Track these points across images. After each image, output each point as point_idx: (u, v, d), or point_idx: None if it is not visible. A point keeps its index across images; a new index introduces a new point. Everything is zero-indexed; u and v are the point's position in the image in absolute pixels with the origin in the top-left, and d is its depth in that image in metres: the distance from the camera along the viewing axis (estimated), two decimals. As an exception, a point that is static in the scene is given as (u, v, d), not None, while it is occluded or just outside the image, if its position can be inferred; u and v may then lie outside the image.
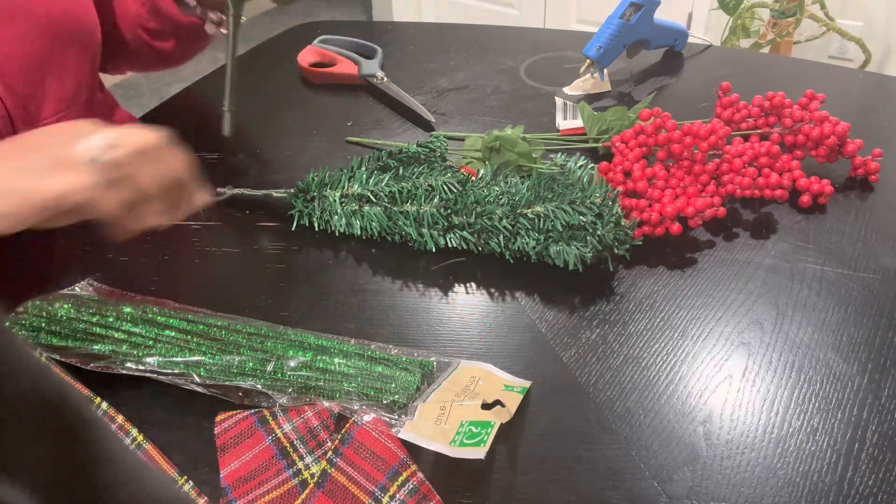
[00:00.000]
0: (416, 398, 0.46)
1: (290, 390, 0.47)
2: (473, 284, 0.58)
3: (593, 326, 0.53)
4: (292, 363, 0.48)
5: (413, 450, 0.43)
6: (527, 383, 0.48)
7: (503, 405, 0.45)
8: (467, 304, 0.56)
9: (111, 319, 0.50)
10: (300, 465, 0.44)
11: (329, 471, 0.42)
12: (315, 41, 0.93)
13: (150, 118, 0.82)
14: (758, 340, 0.51)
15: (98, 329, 0.50)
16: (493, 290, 0.57)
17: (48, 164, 0.43)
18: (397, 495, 0.41)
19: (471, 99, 0.84)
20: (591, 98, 0.82)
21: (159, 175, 0.46)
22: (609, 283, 0.57)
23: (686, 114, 0.66)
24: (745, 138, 0.68)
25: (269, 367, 0.48)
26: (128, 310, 0.51)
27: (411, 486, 0.41)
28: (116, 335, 0.50)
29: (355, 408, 0.45)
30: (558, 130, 0.75)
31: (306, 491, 0.42)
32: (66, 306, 0.51)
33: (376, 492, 0.41)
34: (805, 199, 0.63)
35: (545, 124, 0.77)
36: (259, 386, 0.47)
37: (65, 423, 0.20)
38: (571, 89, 0.83)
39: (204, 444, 0.45)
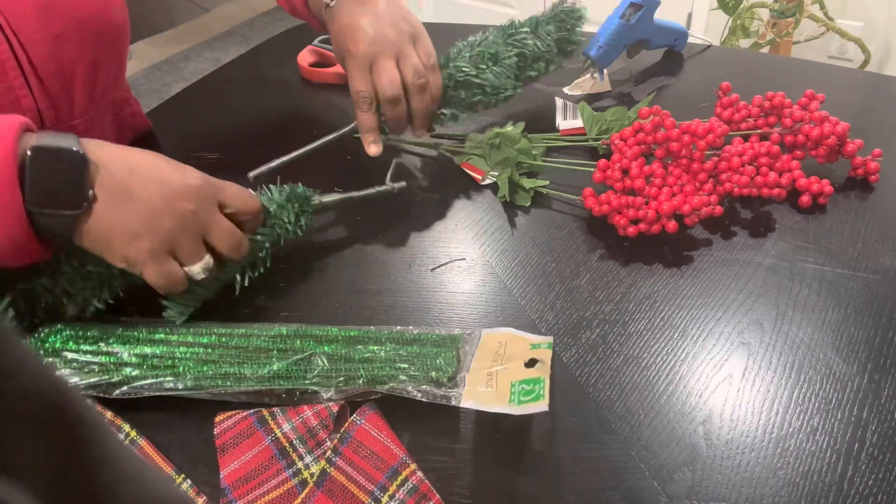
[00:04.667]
0: (460, 370, 0.47)
1: (337, 383, 0.47)
2: (473, 284, 0.58)
3: (593, 326, 0.53)
4: (322, 360, 0.48)
5: (412, 449, 0.43)
6: (549, 338, 0.50)
7: (539, 362, 0.46)
8: (467, 304, 0.56)
9: (116, 347, 0.49)
10: (300, 464, 0.44)
11: (328, 470, 0.42)
12: (315, 41, 0.93)
13: (150, 118, 0.82)
14: (758, 340, 0.51)
15: (105, 358, 0.48)
16: (493, 291, 0.57)
17: (165, 250, 0.49)
18: (397, 495, 0.41)
19: (471, 99, 0.83)
20: (591, 98, 0.82)
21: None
22: (609, 283, 0.57)
23: (686, 114, 0.66)
24: (745, 138, 0.68)
25: (315, 364, 0.48)
26: (135, 334, 0.50)
27: (411, 486, 0.41)
28: (130, 360, 0.48)
29: (409, 388, 0.46)
30: (558, 130, 0.75)
31: (306, 490, 0.42)
32: (67, 342, 0.49)
33: (375, 491, 0.41)
34: (805, 199, 0.63)
35: (545, 124, 0.77)
36: (308, 386, 0.47)
37: (65, 423, 0.19)
38: (571, 89, 0.83)
39: (204, 444, 0.45)
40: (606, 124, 0.71)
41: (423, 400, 0.46)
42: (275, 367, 0.47)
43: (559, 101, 0.80)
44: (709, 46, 0.93)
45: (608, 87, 0.84)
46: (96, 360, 0.48)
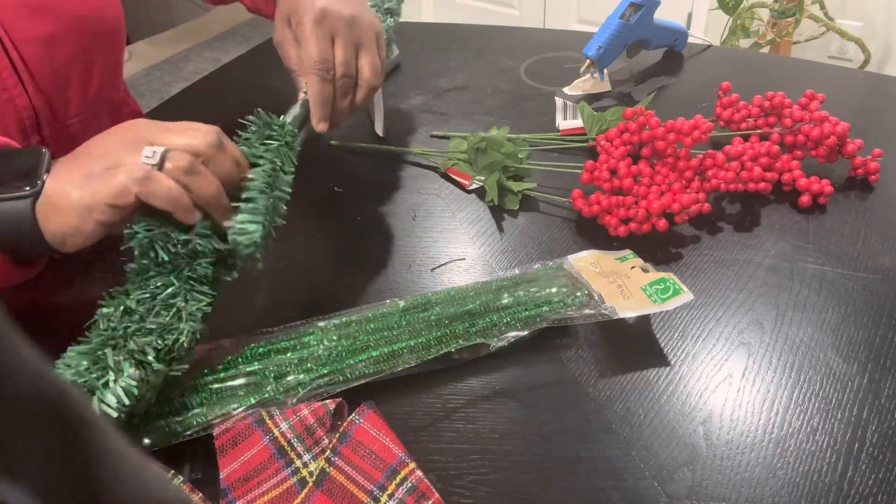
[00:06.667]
0: (592, 290, 0.50)
1: (507, 333, 0.49)
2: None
3: (593, 326, 0.53)
4: (472, 315, 0.50)
5: (412, 449, 0.43)
6: (628, 251, 0.54)
7: (648, 269, 0.52)
8: (467, 303, 0.56)
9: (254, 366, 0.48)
10: (298, 463, 0.44)
11: (328, 470, 0.42)
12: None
13: (150, 118, 0.82)
14: (758, 340, 0.51)
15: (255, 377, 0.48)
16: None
17: (107, 167, 0.44)
18: (396, 494, 0.41)
19: (471, 99, 0.84)
20: (591, 98, 0.82)
21: (208, 180, 0.47)
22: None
23: (686, 114, 0.66)
24: (746, 138, 0.68)
25: (480, 322, 0.50)
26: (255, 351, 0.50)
27: (410, 485, 0.41)
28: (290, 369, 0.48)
29: (569, 314, 0.50)
30: (558, 130, 0.75)
31: (305, 490, 0.42)
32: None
33: (375, 490, 0.41)
34: (805, 199, 0.63)
35: (545, 124, 0.77)
36: (483, 340, 0.49)
37: (65, 422, 0.19)
38: (571, 89, 0.83)
39: (203, 444, 0.45)
40: (606, 124, 0.71)
41: (587, 322, 0.50)
42: (432, 336, 0.49)
43: (559, 101, 0.80)
44: (709, 46, 0.93)
45: (608, 87, 0.84)
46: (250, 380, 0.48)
